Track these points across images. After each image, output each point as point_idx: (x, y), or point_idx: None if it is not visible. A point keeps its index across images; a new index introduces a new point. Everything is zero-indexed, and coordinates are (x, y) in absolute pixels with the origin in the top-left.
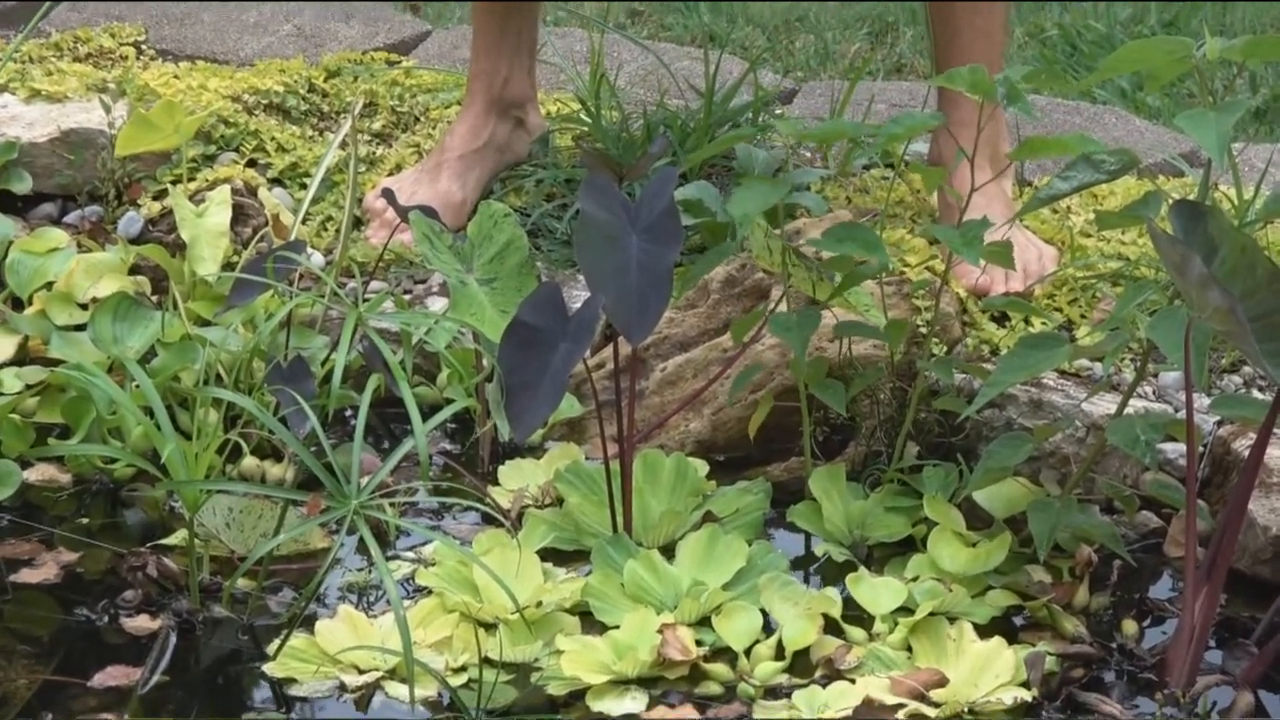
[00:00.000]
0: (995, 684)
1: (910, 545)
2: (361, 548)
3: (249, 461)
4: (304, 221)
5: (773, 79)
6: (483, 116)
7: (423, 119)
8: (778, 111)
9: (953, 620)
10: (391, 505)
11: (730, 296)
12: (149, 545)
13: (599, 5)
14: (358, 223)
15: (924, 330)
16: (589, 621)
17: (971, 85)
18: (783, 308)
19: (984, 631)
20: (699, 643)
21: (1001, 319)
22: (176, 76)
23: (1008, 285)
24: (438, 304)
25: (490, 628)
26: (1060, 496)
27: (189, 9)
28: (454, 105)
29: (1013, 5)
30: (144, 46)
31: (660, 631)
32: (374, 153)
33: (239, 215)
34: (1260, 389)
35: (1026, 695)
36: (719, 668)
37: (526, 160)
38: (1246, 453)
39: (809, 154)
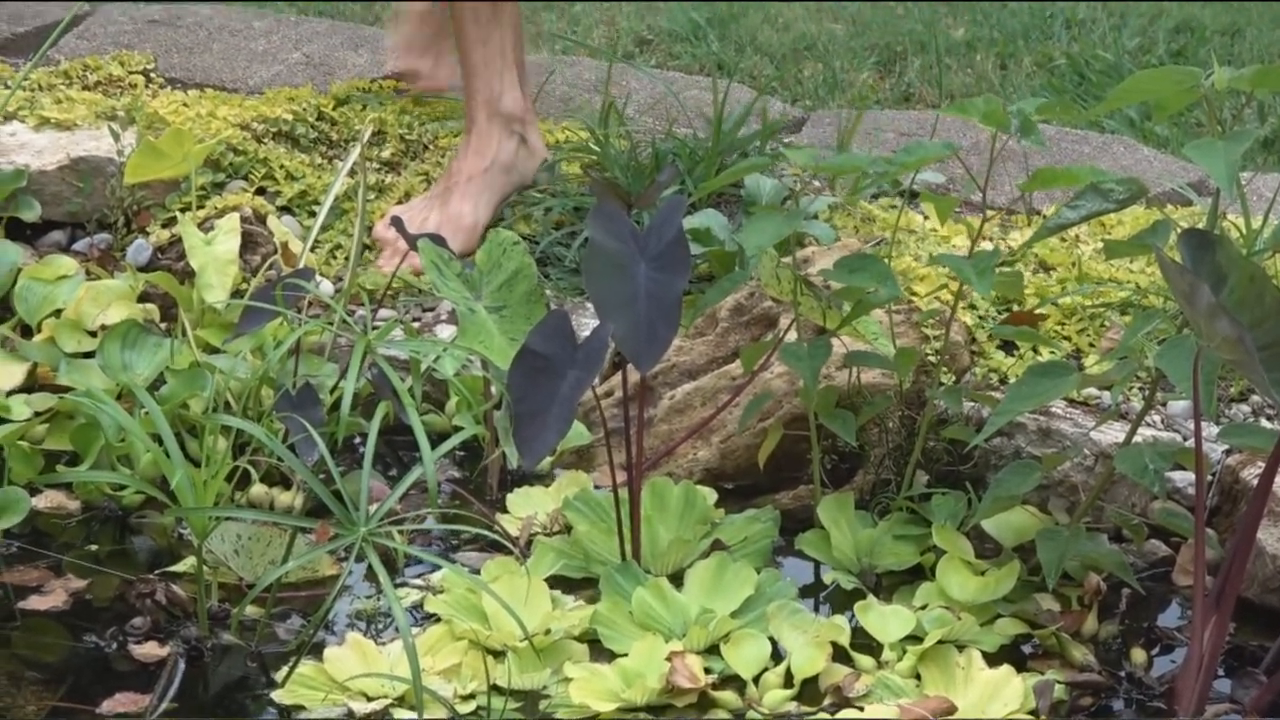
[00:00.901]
0: (1004, 712)
1: (919, 573)
2: (370, 575)
3: (258, 489)
4: (313, 249)
5: (781, 107)
6: (485, 136)
7: (431, 147)
8: (786, 140)
9: (961, 648)
10: (400, 532)
11: (739, 325)
12: (158, 572)
13: (607, 35)
14: (366, 250)
15: (933, 359)
16: (597, 649)
17: (985, 116)
18: (791, 336)
19: (993, 659)
20: (708, 670)
21: (1010, 348)
22: (185, 104)
23: None
24: (446, 332)
25: (499, 655)
26: (1069, 525)
27: (198, 38)
28: (463, 134)
29: (1020, 33)
30: (153, 75)
31: (669, 659)
32: (383, 180)
33: (248, 243)
34: (1269, 418)
35: None
36: (727, 695)
37: (534, 187)
38: (1255, 481)
39: (818, 182)
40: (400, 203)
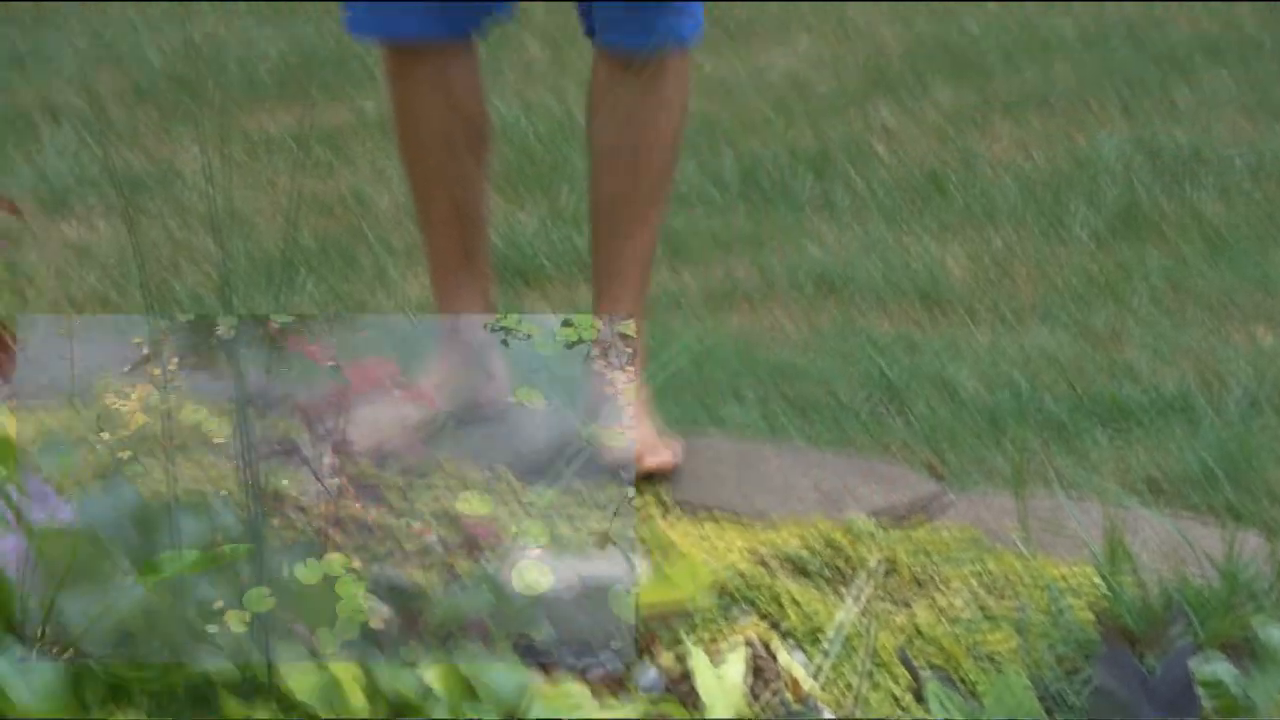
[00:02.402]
0: None
1: None
2: None
3: None
4: (820, 683)
5: None
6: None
7: (938, 581)
8: None
9: None
10: None
11: None
12: None
13: (1116, 473)
14: (872, 680)
15: None
16: None
17: None
18: None
19: None
20: None
21: None
22: (698, 533)
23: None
24: None
25: None
26: None
27: (711, 465)
28: (968, 564)
29: None
30: (666, 500)
31: None
32: (892, 616)
33: (755, 674)
34: None
35: None
36: None
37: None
38: None
39: None
40: (906, 631)
